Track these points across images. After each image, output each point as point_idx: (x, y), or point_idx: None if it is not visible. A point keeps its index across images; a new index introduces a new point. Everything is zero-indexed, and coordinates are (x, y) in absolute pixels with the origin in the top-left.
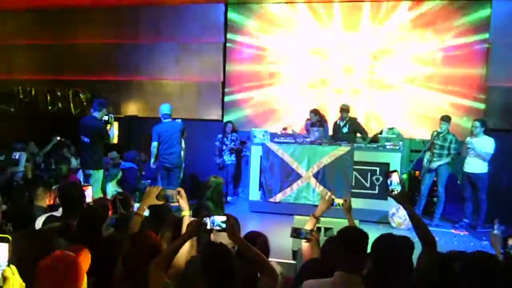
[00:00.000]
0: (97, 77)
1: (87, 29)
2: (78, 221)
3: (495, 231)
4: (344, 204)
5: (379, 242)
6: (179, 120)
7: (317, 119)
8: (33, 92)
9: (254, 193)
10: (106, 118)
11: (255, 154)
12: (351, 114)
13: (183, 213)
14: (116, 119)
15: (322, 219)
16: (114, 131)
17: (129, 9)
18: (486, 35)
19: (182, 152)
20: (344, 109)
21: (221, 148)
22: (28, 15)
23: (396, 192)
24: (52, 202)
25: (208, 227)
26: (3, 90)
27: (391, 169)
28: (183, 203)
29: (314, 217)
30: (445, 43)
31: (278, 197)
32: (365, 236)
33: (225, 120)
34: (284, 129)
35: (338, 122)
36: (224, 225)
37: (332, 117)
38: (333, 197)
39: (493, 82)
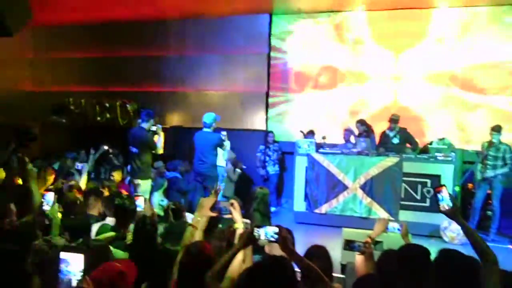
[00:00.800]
0: (143, 89)
1: (134, 43)
2: (133, 232)
3: None
4: (401, 229)
5: (444, 259)
6: (222, 133)
7: (363, 129)
8: (83, 104)
9: (299, 204)
10: (153, 128)
11: (300, 164)
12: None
13: (236, 225)
14: (162, 130)
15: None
16: (161, 141)
17: (174, 22)
18: None
19: (221, 163)
20: (394, 119)
21: (264, 160)
22: (80, 29)
23: (447, 208)
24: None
25: (262, 238)
26: (56, 101)
27: (442, 182)
28: (236, 215)
29: (370, 238)
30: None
31: (324, 208)
32: (427, 254)
33: (269, 130)
34: (323, 137)
35: (387, 133)
36: (276, 236)
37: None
38: (389, 221)
39: None
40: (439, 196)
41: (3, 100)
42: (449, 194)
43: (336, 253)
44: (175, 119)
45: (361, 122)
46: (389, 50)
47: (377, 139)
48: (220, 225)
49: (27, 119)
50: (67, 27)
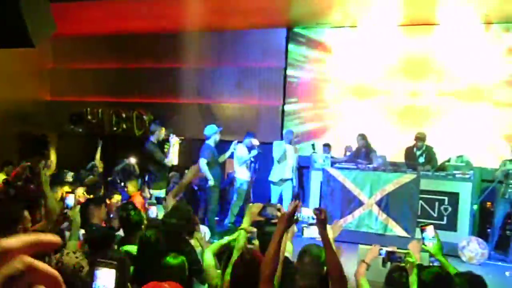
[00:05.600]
0: (160, 100)
1: (151, 54)
2: (138, 244)
3: None
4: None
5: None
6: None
7: (363, 143)
8: (100, 114)
9: (313, 219)
10: (171, 139)
11: (315, 179)
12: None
13: None
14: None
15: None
16: (172, 152)
17: (192, 35)
18: None
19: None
20: (420, 138)
21: None
22: (98, 40)
23: (430, 246)
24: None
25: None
26: (73, 111)
27: (460, 200)
28: None
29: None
30: None
31: (341, 222)
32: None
33: None
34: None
35: (414, 150)
36: (313, 220)
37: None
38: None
39: None
40: (424, 234)
41: (22, 110)
42: (435, 232)
43: (349, 269)
44: (191, 131)
45: (362, 136)
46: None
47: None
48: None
49: (45, 128)
50: (86, 38)
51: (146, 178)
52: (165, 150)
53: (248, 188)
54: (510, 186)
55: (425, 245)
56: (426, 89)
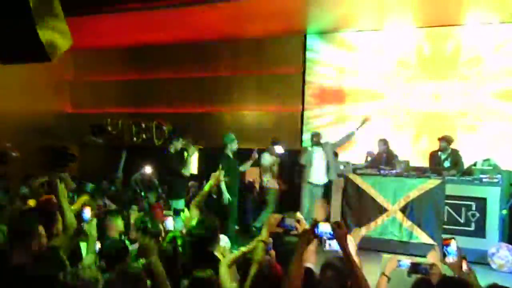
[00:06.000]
0: (179, 110)
1: (170, 64)
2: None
3: None
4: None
5: None
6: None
7: (384, 149)
8: (119, 125)
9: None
10: (190, 149)
11: (336, 185)
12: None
13: None
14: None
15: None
16: (191, 161)
17: (210, 43)
18: None
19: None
20: (446, 140)
21: None
22: (117, 52)
23: (452, 261)
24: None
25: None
26: (94, 123)
27: (488, 205)
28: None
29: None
30: None
31: (362, 231)
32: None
33: None
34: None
35: (439, 154)
36: (330, 234)
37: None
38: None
39: None
40: (448, 249)
41: (43, 122)
42: (457, 248)
43: (373, 280)
44: (210, 140)
45: (383, 141)
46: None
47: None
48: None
49: (67, 141)
50: (106, 51)
51: (166, 189)
52: (186, 160)
53: (276, 196)
54: None
55: (447, 261)
56: (449, 91)
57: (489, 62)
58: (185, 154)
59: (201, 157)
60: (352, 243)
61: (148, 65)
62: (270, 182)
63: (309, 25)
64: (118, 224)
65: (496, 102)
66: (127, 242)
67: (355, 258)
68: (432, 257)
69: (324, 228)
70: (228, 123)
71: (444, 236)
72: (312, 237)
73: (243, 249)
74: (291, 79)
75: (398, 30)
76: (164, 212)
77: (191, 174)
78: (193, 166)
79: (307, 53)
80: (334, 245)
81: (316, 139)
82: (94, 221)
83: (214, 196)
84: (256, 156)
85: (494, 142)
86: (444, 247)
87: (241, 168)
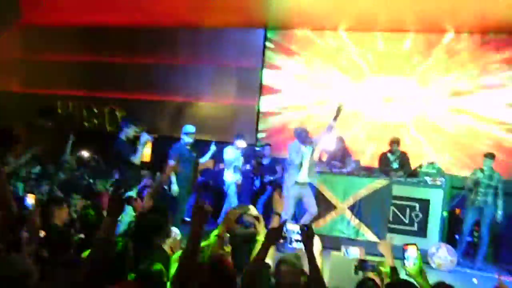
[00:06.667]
0: (133, 96)
1: (126, 49)
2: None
3: None
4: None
5: None
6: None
7: (340, 147)
8: (70, 108)
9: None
10: (143, 138)
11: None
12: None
13: (258, 238)
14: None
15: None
16: (143, 149)
17: (168, 30)
18: None
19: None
20: (395, 142)
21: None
22: (71, 32)
23: (410, 267)
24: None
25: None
26: (44, 104)
27: (431, 206)
28: (261, 228)
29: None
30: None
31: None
32: None
33: (259, 144)
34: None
35: (388, 156)
36: (299, 235)
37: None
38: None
39: None
40: (406, 254)
41: None
42: (417, 254)
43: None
44: (165, 129)
45: (341, 139)
46: (383, 72)
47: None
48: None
49: (13, 121)
50: (58, 29)
51: (116, 177)
52: (137, 148)
53: (239, 190)
54: (479, 194)
55: (405, 266)
56: (401, 94)
57: (440, 68)
58: (137, 142)
59: (156, 146)
60: (317, 244)
61: (103, 48)
62: (229, 176)
63: (270, 20)
64: (62, 212)
65: (445, 111)
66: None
67: (318, 258)
68: (383, 249)
69: (292, 228)
70: (184, 112)
71: (389, 235)
72: (280, 237)
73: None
74: (250, 72)
75: (354, 32)
76: None
77: (144, 163)
78: (144, 154)
79: (266, 47)
80: (296, 244)
81: (309, 137)
82: (36, 209)
83: (166, 187)
84: (215, 148)
85: (439, 147)
86: (404, 251)
87: (201, 160)
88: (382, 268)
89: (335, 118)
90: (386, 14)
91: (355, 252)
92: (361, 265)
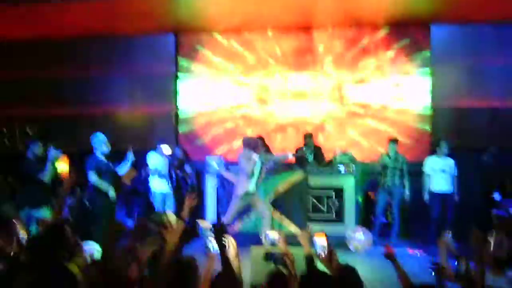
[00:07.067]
0: (47, 112)
1: (35, 63)
2: None
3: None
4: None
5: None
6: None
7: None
8: None
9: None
10: (51, 153)
11: (210, 183)
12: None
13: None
14: (68, 154)
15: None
16: (50, 166)
17: (78, 41)
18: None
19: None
20: (308, 136)
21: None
22: None
23: (320, 254)
24: None
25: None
26: None
27: (345, 193)
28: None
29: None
30: (389, 69)
31: (236, 227)
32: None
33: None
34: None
35: (303, 149)
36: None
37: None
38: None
39: (438, 104)
40: (316, 244)
41: None
42: (325, 242)
43: (246, 273)
44: (82, 144)
45: (262, 140)
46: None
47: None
48: None
49: None
50: None
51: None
52: (45, 166)
53: (166, 199)
54: (387, 176)
55: (316, 255)
56: (311, 91)
57: (347, 62)
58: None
59: (73, 162)
60: (232, 246)
61: (11, 61)
62: (156, 184)
63: (180, 24)
64: None
65: (353, 104)
66: None
67: (235, 261)
68: (302, 239)
69: (205, 225)
70: (100, 125)
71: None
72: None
73: None
74: (164, 78)
75: (263, 33)
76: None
77: (57, 180)
78: (56, 171)
79: (178, 52)
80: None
81: (260, 146)
82: None
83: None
84: (132, 156)
85: (352, 137)
86: (314, 241)
87: (119, 171)
88: (287, 260)
89: (293, 154)
90: (291, 13)
91: (274, 236)
92: (268, 256)
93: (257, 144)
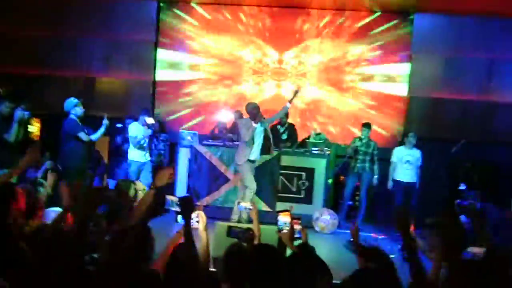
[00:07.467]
0: (19, 71)
1: (8, 20)
2: None
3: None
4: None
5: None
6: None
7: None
8: None
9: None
10: (17, 114)
11: (183, 156)
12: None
13: None
14: (38, 116)
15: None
16: (16, 126)
17: (53, 1)
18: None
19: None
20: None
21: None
22: None
23: (284, 232)
24: None
25: None
26: None
27: (316, 175)
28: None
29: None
30: (370, 55)
31: (206, 201)
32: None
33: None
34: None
35: (278, 127)
36: (177, 207)
37: None
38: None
39: (414, 93)
40: (279, 220)
41: None
42: (288, 220)
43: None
44: (54, 106)
45: (239, 113)
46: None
47: None
48: None
49: None
50: None
51: None
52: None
53: (145, 171)
54: (358, 161)
55: (279, 232)
56: (292, 69)
57: (327, 45)
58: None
59: (44, 124)
60: (201, 219)
61: None
62: (134, 155)
63: None
64: None
65: (330, 89)
66: None
67: (203, 234)
68: (284, 238)
69: (172, 199)
70: (74, 88)
71: (287, 204)
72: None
73: None
74: (143, 46)
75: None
76: None
77: (26, 142)
78: (25, 132)
79: (160, 20)
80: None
81: (260, 115)
82: None
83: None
84: (107, 122)
85: (327, 119)
86: (277, 218)
87: (92, 137)
88: (249, 235)
89: (290, 101)
90: None
91: (247, 205)
92: (229, 231)
93: (258, 113)
